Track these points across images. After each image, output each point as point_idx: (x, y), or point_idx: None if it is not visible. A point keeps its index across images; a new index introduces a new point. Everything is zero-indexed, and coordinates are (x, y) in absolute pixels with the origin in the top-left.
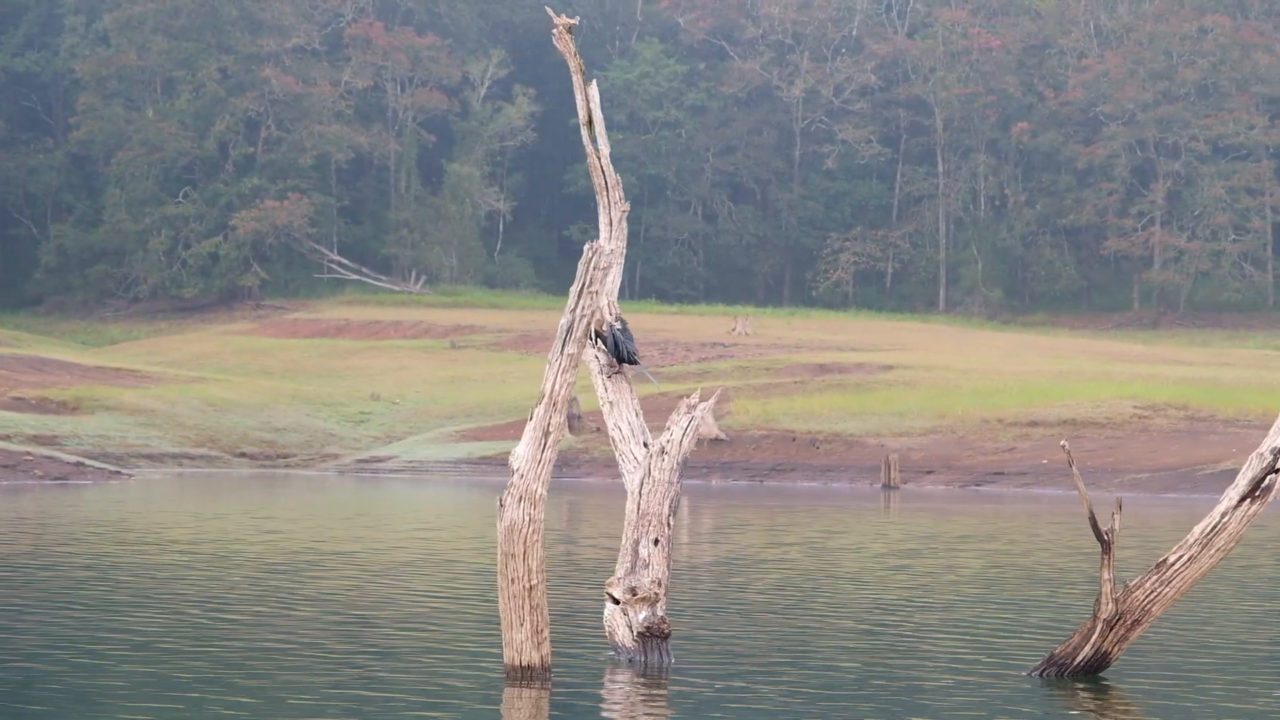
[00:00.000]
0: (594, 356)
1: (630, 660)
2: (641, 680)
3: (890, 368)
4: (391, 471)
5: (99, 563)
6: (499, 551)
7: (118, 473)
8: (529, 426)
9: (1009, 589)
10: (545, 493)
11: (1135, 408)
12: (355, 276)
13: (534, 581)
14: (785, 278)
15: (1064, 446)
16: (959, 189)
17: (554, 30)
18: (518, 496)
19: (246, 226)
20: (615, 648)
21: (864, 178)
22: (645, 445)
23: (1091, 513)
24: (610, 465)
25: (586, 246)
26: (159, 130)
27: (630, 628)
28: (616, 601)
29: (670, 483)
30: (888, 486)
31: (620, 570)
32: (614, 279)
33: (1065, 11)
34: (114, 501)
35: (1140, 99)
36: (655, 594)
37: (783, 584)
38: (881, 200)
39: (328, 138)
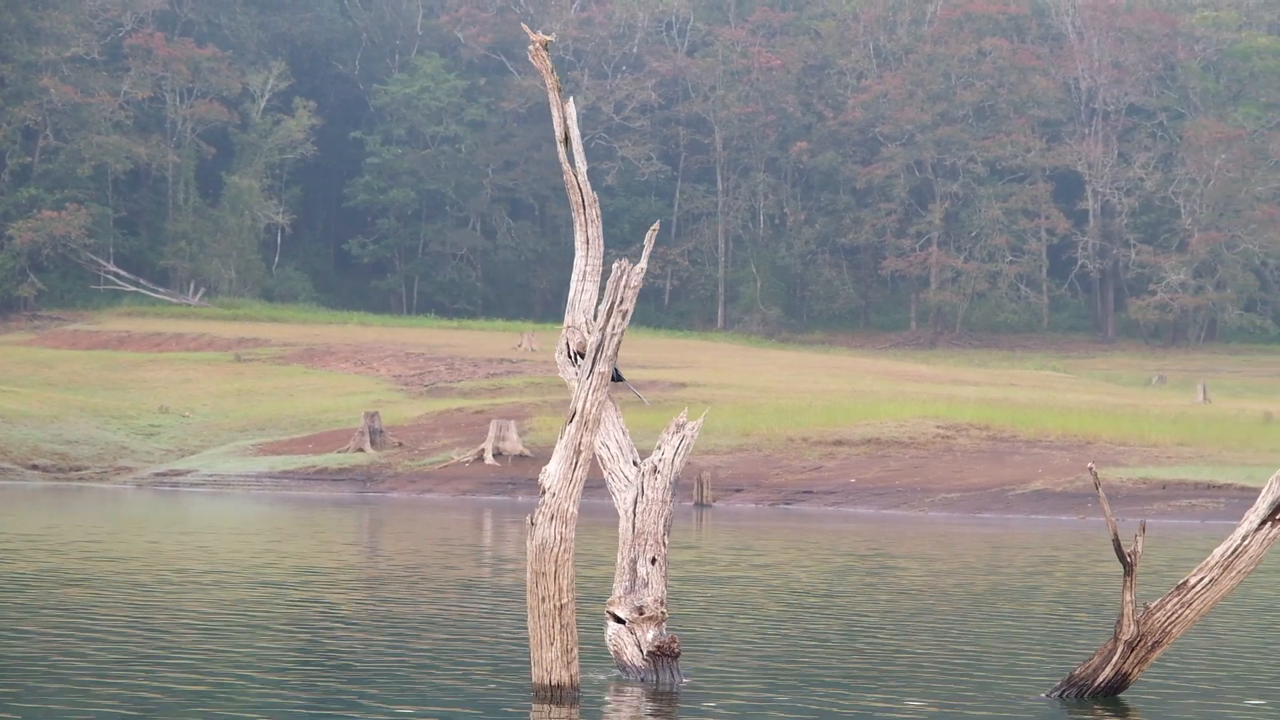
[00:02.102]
0: (574, 374)
1: (642, 679)
2: (661, 699)
3: (683, 385)
4: (193, 485)
5: (76, 577)
6: (529, 570)
7: None
8: (560, 444)
9: (990, 608)
10: (576, 511)
11: (938, 428)
12: (133, 288)
13: (565, 600)
14: (564, 294)
15: (1091, 469)
16: (738, 207)
17: (530, 47)
18: (549, 515)
19: (23, 236)
20: (623, 667)
21: (643, 195)
22: (635, 464)
23: (1116, 535)
24: (414, 480)
25: (615, 265)
26: None
27: (639, 647)
28: (620, 620)
29: (664, 501)
30: (700, 504)
31: (619, 589)
32: (591, 297)
33: (845, 32)
34: None
35: (919, 120)
36: (661, 613)
37: (755, 601)
38: (661, 217)
39: (106, 148)
